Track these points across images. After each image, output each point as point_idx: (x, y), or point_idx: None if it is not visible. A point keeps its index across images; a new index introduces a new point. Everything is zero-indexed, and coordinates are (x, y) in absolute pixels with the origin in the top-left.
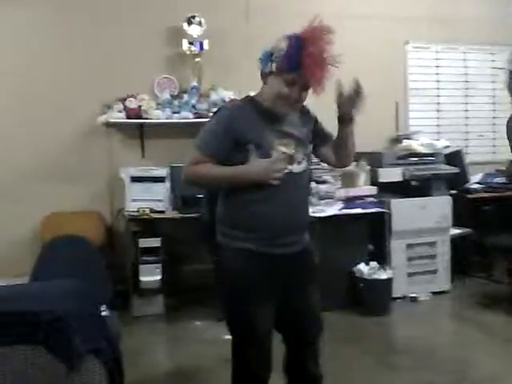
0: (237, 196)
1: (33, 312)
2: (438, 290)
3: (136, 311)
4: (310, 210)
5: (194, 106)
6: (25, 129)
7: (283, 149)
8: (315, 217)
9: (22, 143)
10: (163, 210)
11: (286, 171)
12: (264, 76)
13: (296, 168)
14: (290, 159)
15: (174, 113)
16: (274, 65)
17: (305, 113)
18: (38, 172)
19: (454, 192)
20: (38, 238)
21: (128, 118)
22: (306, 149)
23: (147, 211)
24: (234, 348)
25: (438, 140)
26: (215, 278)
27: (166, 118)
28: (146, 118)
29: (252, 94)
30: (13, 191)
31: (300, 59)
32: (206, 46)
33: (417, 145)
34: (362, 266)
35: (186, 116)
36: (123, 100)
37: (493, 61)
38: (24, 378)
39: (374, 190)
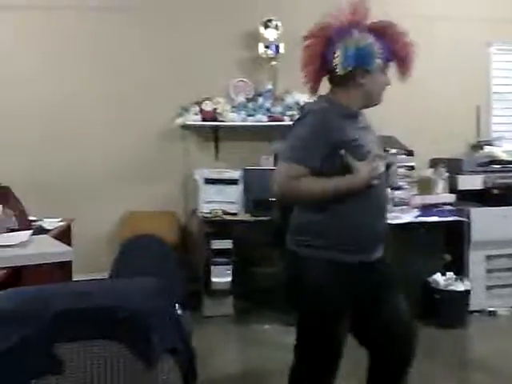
0: (332, 206)
1: (112, 308)
2: None
3: (206, 311)
4: None
5: (268, 109)
6: (107, 130)
7: (376, 148)
8: (389, 224)
9: (104, 144)
10: (235, 212)
11: (381, 171)
12: (358, 73)
13: (382, 168)
14: (381, 157)
15: (249, 116)
16: (378, 60)
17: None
18: (117, 172)
19: None
20: (117, 236)
21: (204, 121)
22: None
23: (220, 213)
24: (307, 363)
25: None
26: (284, 286)
27: (241, 121)
28: (221, 121)
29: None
30: (93, 190)
31: (395, 49)
32: (281, 49)
33: (499, 151)
34: (437, 277)
35: (261, 119)
36: (199, 103)
37: None
38: (103, 373)
39: (452, 197)
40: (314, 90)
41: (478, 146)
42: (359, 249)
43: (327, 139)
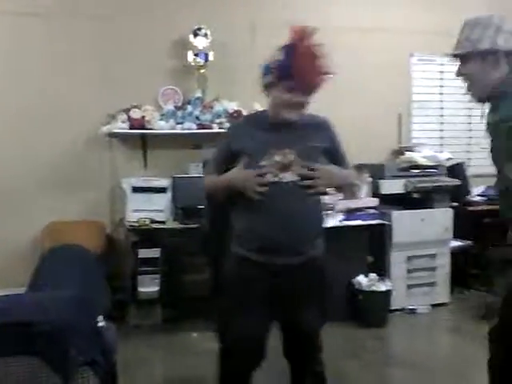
0: (236, 207)
1: (29, 323)
2: (437, 303)
3: (133, 321)
4: None
5: (197, 117)
6: (29, 138)
7: (278, 158)
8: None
9: (26, 152)
10: (164, 220)
11: (275, 179)
12: (266, 88)
13: (289, 177)
14: (284, 167)
15: (178, 124)
16: (272, 76)
17: (321, 126)
18: (40, 181)
19: (455, 204)
20: (39, 248)
21: (131, 129)
22: (311, 161)
23: (147, 221)
24: (221, 352)
25: (440, 152)
26: (211, 288)
27: (170, 129)
28: (150, 129)
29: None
30: (14, 200)
31: (292, 64)
32: (211, 57)
33: (419, 157)
34: (361, 278)
35: (189, 127)
36: (127, 110)
37: None
38: None
39: (375, 201)
40: None
41: (399, 152)
42: (253, 247)
43: (228, 149)
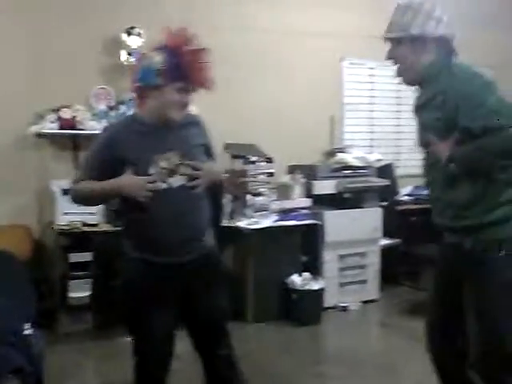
0: (126, 210)
1: None
2: (368, 299)
3: (64, 328)
4: (245, 222)
5: None
6: None
7: (164, 164)
8: (250, 229)
9: None
10: (96, 223)
11: (164, 186)
12: (149, 91)
13: (178, 181)
14: (172, 172)
15: None
16: (159, 78)
17: (195, 124)
18: None
19: (384, 204)
20: None
21: (61, 129)
22: (196, 160)
23: (78, 224)
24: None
25: (370, 153)
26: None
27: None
28: (81, 129)
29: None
30: None
31: (182, 66)
32: None
33: (350, 158)
34: (295, 277)
35: None
36: (57, 110)
37: None
38: None
39: (308, 202)
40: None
41: (331, 153)
42: (154, 252)
43: (106, 155)
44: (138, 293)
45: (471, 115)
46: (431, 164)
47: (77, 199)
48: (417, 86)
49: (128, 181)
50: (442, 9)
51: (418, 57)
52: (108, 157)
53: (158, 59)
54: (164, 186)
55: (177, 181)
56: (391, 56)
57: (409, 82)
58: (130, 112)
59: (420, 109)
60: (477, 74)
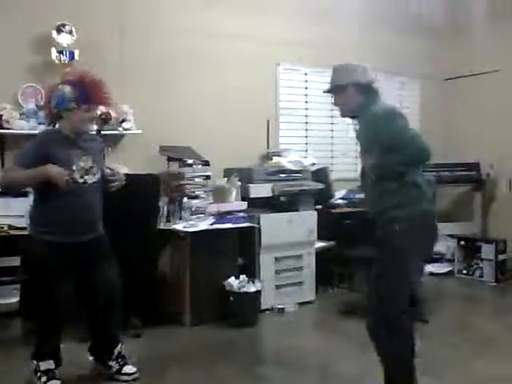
0: (44, 200)
1: None
2: (304, 301)
3: None
4: (182, 224)
5: None
6: None
7: (82, 164)
8: (186, 232)
9: None
10: (25, 226)
11: (82, 181)
12: (63, 113)
13: (91, 179)
14: (87, 171)
15: (40, 124)
16: (73, 103)
17: (97, 140)
18: None
19: (319, 207)
20: None
21: None
22: (100, 164)
23: (5, 228)
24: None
25: (305, 157)
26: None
27: (31, 129)
28: (8, 129)
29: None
30: None
31: (87, 93)
32: (76, 56)
33: (286, 162)
34: (232, 280)
35: None
36: None
37: None
38: None
39: (244, 205)
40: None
41: (267, 157)
42: (64, 233)
43: (40, 153)
44: (50, 267)
45: (387, 142)
46: (363, 173)
47: (4, 183)
48: (351, 119)
49: (54, 168)
50: (362, 64)
51: (350, 100)
52: (41, 153)
53: (68, 89)
54: (81, 180)
55: (91, 178)
56: (335, 103)
57: (345, 116)
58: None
59: (358, 135)
60: (393, 114)
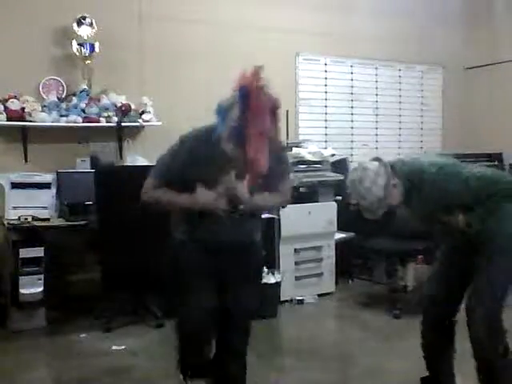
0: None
1: None
2: (324, 292)
3: (15, 326)
4: None
5: (83, 110)
6: None
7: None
8: None
9: None
10: (48, 217)
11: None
12: None
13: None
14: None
15: (62, 116)
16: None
17: None
18: None
19: (338, 198)
20: None
21: (9, 120)
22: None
23: (29, 219)
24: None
25: (325, 148)
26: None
27: (52, 122)
28: (30, 121)
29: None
30: None
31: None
32: (97, 48)
33: (305, 153)
34: None
35: (75, 120)
36: (4, 101)
37: (376, 75)
38: None
39: None
40: None
41: (287, 148)
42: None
43: (184, 169)
44: (191, 271)
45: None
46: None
47: (150, 203)
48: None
49: (207, 196)
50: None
51: (400, 194)
52: (185, 173)
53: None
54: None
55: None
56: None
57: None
58: (82, 104)
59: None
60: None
